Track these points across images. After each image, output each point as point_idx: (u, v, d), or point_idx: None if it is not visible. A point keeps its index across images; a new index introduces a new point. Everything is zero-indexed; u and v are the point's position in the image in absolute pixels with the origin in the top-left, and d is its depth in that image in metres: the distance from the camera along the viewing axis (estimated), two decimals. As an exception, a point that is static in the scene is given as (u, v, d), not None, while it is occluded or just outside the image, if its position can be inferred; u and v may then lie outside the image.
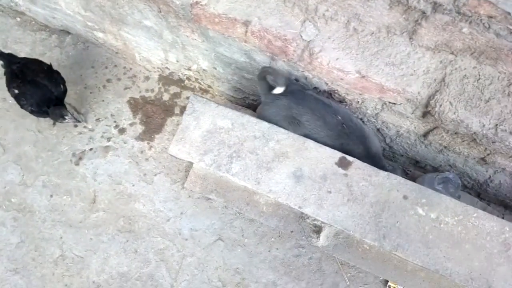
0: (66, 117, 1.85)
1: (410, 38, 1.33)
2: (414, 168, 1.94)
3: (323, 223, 1.59)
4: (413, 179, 1.71)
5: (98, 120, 2.09)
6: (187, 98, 2.11)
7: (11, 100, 1.93)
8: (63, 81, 1.92)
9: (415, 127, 1.59)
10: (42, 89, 1.83)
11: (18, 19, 2.26)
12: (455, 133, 1.46)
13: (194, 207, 1.93)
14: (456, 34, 1.22)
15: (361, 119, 1.70)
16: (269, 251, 1.85)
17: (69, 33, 2.23)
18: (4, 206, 1.95)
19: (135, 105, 2.12)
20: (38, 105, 1.84)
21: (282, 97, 1.54)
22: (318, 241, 1.73)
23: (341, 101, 1.61)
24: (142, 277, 1.84)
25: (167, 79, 2.17)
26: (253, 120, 1.55)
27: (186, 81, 2.15)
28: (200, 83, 2.12)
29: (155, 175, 1.99)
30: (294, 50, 1.44)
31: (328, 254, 1.80)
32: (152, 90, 2.15)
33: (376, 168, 1.47)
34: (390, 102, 1.47)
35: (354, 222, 1.44)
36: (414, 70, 1.36)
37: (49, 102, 1.85)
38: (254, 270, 1.84)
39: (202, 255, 1.86)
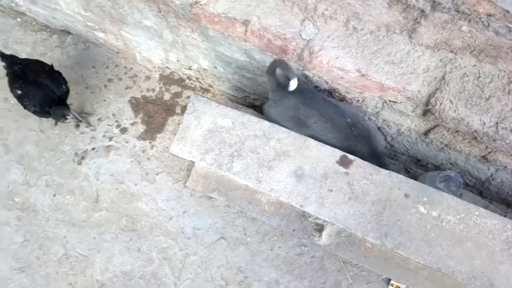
0: (68, 116, 1.86)
1: (409, 37, 1.33)
2: (415, 167, 1.93)
3: (325, 221, 1.59)
4: (415, 177, 1.71)
5: (100, 119, 2.09)
6: (188, 97, 2.12)
7: (13, 100, 1.95)
8: (65, 81, 1.93)
9: (416, 126, 1.58)
10: (44, 89, 1.84)
11: (19, 19, 2.26)
12: (456, 131, 1.45)
13: (196, 206, 1.94)
14: (456, 33, 1.21)
15: (361, 117, 1.69)
16: (271, 249, 1.86)
17: (69, 33, 2.23)
18: (8, 206, 1.96)
19: (137, 105, 2.12)
20: (41, 105, 1.85)
21: (290, 96, 1.52)
22: (320, 239, 1.74)
23: (341, 99, 1.61)
24: (145, 275, 1.86)
25: (168, 79, 2.17)
26: (254, 119, 1.54)
27: (187, 81, 2.15)
28: (200, 83, 2.13)
29: (157, 174, 2.00)
30: (294, 49, 1.43)
31: (330, 253, 1.81)
32: (153, 90, 2.15)
33: (377, 167, 1.46)
34: (390, 101, 1.46)
35: (355, 221, 1.44)
36: (414, 69, 1.35)
37: (51, 103, 1.86)
38: (257, 269, 1.84)
39: (205, 254, 1.87)
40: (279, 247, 1.86)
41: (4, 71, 1.88)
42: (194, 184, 1.84)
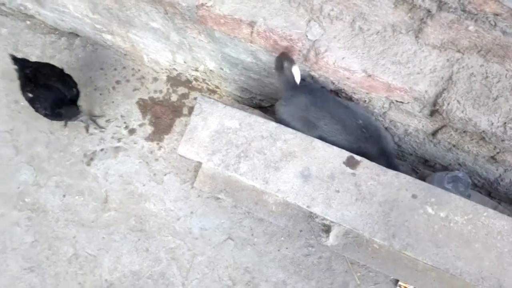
0: (80, 116, 1.90)
1: (416, 37, 1.32)
2: (423, 167, 1.92)
3: (332, 222, 1.58)
4: (423, 178, 1.70)
5: (108, 121, 2.11)
6: (195, 98, 2.13)
7: (23, 102, 1.97)
8: (75, 84, 1.95)
9: (423, 126, 1.57)
10: (55, 92, 1.86)
11: (28, 22, 2.29)
12: (464, 132, 1.44)
13: (204, 207, 1.94)
14: (462, 32, 1.20)
15: (372, 118, 1.68)
16: (278, 250, 1.86)
17: (78, 35, 2.26)
18: (18, 206, 1.99)
19: (144, 106, 2.14)
20: (52, 108, 1.87)
21: (301, 95, 1.51)
22: (327, 240, 1.73)
23: (348, 100, 1.60)
24: (153, 275, 1.87)
25: (175, 80, 2.18)
26: (261, 120, 1.55)
27: (194, 82, 2.16)
28: (207, 84, 2.13)
29: (165, 175, 2.01)
30: (300, 50, 1.44)
31: (337, 253, 1.80)
32: (161, 91, 2.17)
33: (384, 168, 1.46)
34: (397, 101, 1.46)
35: (363, 221, 1.43)
36: (421, 69, 1.35)
37: (62, 105, 1.88)
38: (264, 269, 1.85)
39: (212, 254, 1.88)
40: (286, 248, 1.86)
41: (13, 74, 1.91)
42: (201, 184, 1.85)
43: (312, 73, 1.53)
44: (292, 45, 1.43)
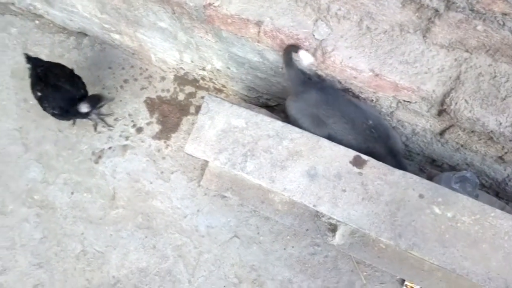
0: (100, 104, 1.96)
1: (423, 36, 1.32)
2: (430, 167, 1.91)
3: (338, 221, 1.58)
4: (430, 178, 1.69)
5: (116, 119, 2.13)
6: (202, 97, 2.14)
7: (32, 101, 1.99)
8: (84, 85, 1.97)
9: (430, 126, 1.57)
10: (64, 93, 1.88)
11: (37, 21, 2.31)
12: (472, 132, 1.43)
13: (210, 205, 1.95)
14: (470, 32, 1.20)
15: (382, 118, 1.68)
16: (284, 249, 1.87)
17: (86, 35, 2.28)
18: (27, 203, 2.01)
19: (152, 105, 2.15)
20: (61, 108, 1.89)
21: (312, 92, 1.51)
22: (333, 239, 1.73)
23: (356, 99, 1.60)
24: (160, 272, 1.89)
25: (182, 79, 2.19)
26: (267, 119, 1.55)
27: (201, 81, 2.17)
28: (214, 83, 2.14)
29: (172, 173, 2.03)
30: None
31: (343, 253, 1.81)
32: (168, 90, 2.18)
33: (391, 167, 1.45)
34: (405, 101, 1.45)
35: (369, 221, 1.43)
36: (429, 68, 1.34)
37: (71, 106, 1.89)
38: (270, 268, 1.85)
39: (219, 252, 1.89)
40: (292, 247, 1.87)
41: (23, 72, 1.93)
42: (208, 183, 1.86)
43: (319, 72, 1.52)
44: (299, 44, 1.43)
